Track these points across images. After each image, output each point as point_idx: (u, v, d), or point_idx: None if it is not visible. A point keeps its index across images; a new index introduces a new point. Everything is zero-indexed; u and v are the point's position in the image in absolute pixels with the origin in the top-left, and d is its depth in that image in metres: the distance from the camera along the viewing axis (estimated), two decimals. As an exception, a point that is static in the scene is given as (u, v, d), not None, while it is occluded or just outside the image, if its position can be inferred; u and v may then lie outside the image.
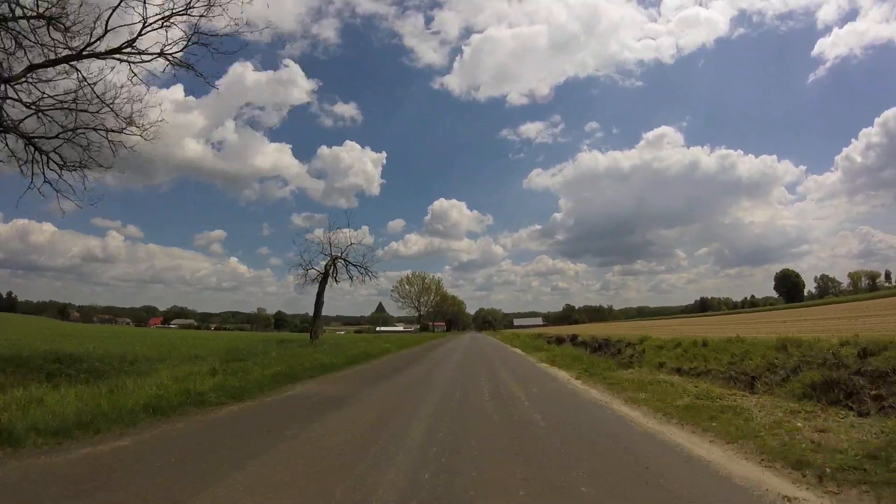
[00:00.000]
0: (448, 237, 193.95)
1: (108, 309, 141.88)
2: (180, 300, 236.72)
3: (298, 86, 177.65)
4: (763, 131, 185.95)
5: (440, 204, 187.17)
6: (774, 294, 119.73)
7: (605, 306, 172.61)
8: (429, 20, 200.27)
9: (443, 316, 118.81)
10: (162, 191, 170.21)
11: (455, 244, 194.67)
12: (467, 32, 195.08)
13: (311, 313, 27.18)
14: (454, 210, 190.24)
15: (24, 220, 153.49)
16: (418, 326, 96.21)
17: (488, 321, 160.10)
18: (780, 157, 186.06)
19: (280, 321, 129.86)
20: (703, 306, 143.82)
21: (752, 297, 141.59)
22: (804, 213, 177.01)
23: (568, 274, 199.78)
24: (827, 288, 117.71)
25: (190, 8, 11.29)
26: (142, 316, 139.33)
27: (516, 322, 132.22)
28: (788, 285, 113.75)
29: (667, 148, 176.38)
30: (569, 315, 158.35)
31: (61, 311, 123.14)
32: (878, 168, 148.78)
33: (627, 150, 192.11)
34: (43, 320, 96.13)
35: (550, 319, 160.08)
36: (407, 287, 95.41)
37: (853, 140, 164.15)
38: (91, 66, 11.11)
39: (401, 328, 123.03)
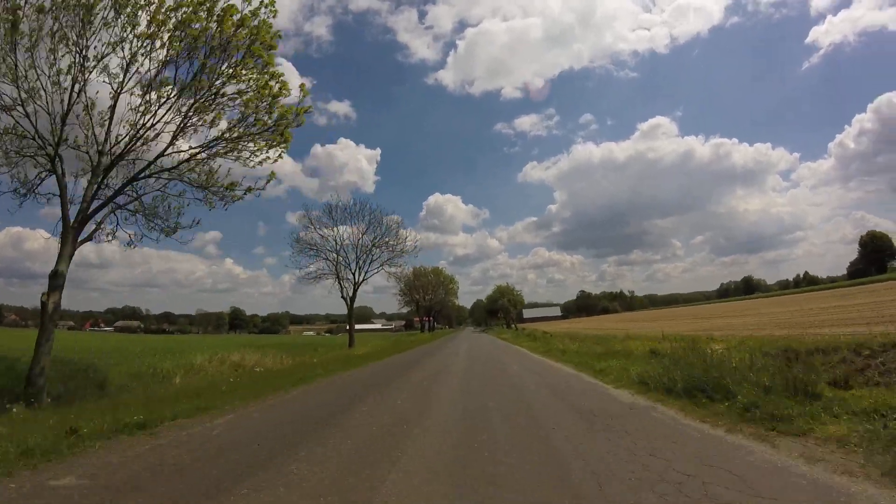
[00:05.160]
0: (444, 232, 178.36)
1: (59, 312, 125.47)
2: (175, 303, 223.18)
3: (292, 85, 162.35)
4: (757, 119, 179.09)
5: (435, 199, 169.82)
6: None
7: (628, 293, 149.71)
8: (422, 15, 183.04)
9: (414, 302, 69.69)
10: (154, 193, 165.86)
11: (451, 239, 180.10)
12: (461, 26, 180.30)
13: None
14: (449, 205, 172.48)
15: (18, 227, 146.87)
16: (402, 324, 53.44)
17: (503, 308, 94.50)
18: (774, 144, 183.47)
19: (237, 321, 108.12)
20: (749, 288, 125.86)
21: (807, 273, 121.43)
22: (798, 200, 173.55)
23: (564, 265, 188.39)
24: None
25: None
26: (103, 318, 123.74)
27: (527, 314, 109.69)
28: (873, 250, 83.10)
29: (661, 138, 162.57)
30: (587, 304, 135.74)
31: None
32: (871, 154, 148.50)
33: (622, 142, 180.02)
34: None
35: (565, 310, 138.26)
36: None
37: (846, 126, 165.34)
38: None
39: (379, 325, 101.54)
